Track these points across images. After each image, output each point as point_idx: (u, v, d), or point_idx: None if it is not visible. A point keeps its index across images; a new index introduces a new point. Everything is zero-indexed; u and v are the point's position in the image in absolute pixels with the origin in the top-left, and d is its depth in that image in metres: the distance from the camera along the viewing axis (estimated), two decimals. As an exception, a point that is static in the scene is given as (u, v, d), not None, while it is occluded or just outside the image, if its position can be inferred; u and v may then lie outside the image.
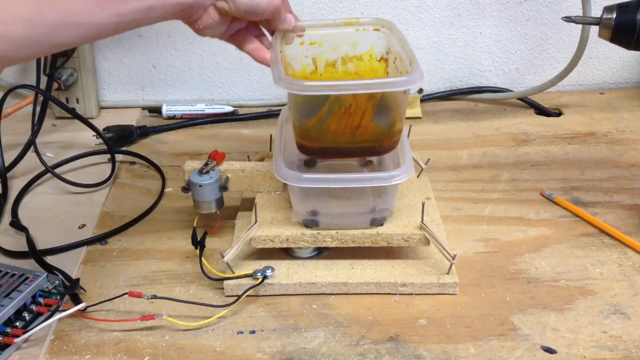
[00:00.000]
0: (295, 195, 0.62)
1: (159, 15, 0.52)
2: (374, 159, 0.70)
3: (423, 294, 0.61)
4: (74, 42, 0.50)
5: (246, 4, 0.56)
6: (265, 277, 0.60)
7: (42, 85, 0.89)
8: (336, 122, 0.59)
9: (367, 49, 0.65)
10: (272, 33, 0.64)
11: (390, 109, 0.59)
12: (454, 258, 0.60)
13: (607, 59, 1.03)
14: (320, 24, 0.66)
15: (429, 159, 0.73)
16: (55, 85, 0.91)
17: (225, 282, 0.60)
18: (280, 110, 0.70)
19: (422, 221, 0.62)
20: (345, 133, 0.60)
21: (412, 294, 0.61)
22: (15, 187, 0.79)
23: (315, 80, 0.66)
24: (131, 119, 0.96)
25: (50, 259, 0.66)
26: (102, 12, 0.48)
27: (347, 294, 0.61)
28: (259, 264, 0.62)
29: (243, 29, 0.62)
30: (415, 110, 0.97)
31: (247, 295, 0.60)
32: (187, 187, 0.65)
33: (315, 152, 0.63)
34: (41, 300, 0.59)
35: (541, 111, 0.97)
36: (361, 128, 0.59)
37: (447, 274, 0.61)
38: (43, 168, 0.78)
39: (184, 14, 0.55)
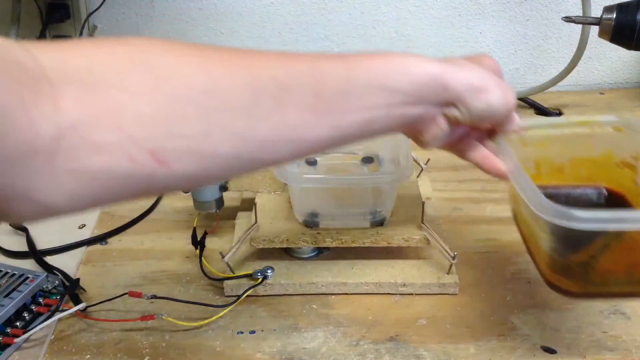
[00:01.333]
0: (296, 195, 0.62)
1: (381, 129, 0.43)
2: (374, 158, 0.70)
3: (423, 294, 0.61)
4: (280, 161, 0.41)
5: (483, 108, 0.45)
6: (265, 277, 0.60)
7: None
8: (611, 259, 0.47)
9: (603, 152, 0.55)
10: (488, 134, 0.52)
11: None
12: (454, 258, 0.60)
13: (607, 59, 1.03)
14: (548, 124, 0.57)
15: (429, 159, 0.73)
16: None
17: (225, 282, 0.60)
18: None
19: (422, 221, 0.62)
20: (619, 272, 0.49)
21: (412, 294, 0.61)
22: (15, 187, 0.79)
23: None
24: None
25: (50, 259, 0.66)
26: (318, 126, 0.40)
27: (347, 294, 0.61)
28: (259, 264, 0.62)
29: (464, 134, 0.51)
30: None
31: (247, 295, 0.60)
32: (187, 187, 0.65)
33: (575, 294, 0.51)
34: (41, 300, 0.59)
35: (541, 111, 0.98)
36: None
37: (448, 274, 0.61)
38: (43, 168, 0.78)
39: (410, 126, 0.46)
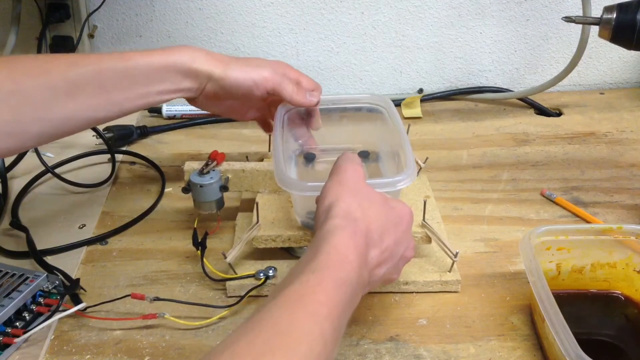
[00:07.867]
0: (297, 199, 0.62)
1: (156, 104, 0.63)
2: (372, 155, 0.70)
3: (423, 293, 0.61)
4: (79, 130, 0.58)
5: (230, 84, 0.63)
6: (267, 278, 0.60)
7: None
8: None
9: (623, 258, 0.59)
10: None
11: None
12: (456, 255, 0.60)
13: (607, 59, 1.03)
14: (573, 230, 0.59)
15: (427, 158, 0.74)
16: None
17: (228, 282, 0.60)
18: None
19: (423, 219, 0.62)
20: None
21: (412, 293, 0.61)
22: (15, 187, 0.79)
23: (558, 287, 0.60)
24: (131, 118, 0.96)
25: (50, 259, 0.66)
26: (107, 107, 0.58)
27: (348, 293, 0.61)
28: (261, 264, 0.62)
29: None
30: (415, 110, 0.97)
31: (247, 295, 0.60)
32: (188, 188, 0.65)
33: None
34: (41, 300, 0.59)
35: (541, 111, 0.98)
36: None
37: (449, 271, 0.61)
38: (43, 168, 0.78)
39: (183, 97, 0.65)
